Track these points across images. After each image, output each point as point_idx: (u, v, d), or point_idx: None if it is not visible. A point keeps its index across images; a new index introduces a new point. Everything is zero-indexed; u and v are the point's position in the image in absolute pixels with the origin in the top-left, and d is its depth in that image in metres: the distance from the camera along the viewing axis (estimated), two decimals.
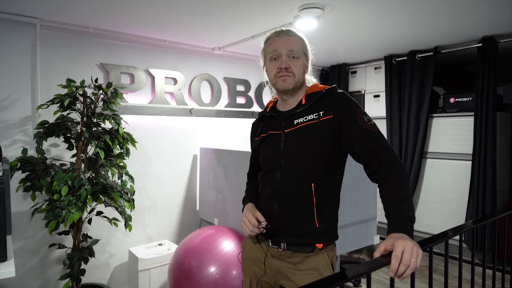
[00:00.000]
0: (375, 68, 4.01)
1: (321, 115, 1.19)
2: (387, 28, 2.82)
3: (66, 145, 2.32)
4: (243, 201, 1.42)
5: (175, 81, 3.22)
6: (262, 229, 1.22)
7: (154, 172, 3.12)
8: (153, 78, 3.09)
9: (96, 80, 2.35)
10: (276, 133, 1.28)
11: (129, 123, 2.81)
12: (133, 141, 2.41)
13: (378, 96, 3.99)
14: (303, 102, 1.26)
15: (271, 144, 1.29)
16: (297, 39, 1.26)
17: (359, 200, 2.24)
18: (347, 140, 1.15)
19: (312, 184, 1.19)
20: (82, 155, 2.29)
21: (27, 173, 2.07)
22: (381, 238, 2.52)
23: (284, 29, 1.28)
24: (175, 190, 3.27)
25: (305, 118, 1.22)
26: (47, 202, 2.09)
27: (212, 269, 2.17)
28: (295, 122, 1.24)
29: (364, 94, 4.14)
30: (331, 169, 1.22)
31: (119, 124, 2.31)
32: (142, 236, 3.07)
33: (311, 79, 1.33)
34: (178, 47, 3.21)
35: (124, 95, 2.89)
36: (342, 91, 1.24)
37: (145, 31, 2.84)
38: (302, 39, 1.28)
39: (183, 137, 3.30)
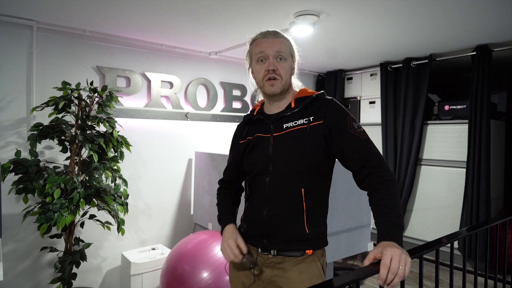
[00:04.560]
0: (371, 75, 4.04)
1: (311, 120, 1.18)
2: (383, 36, 2.85)
3: (60, 148, 2.31)
4: (219, 219, 1.34)
5: (171, 85, 3.22)
6: (244, 261, 1.19)
7: (149, 175, 3.11)
8: (149, 81, 3.09)
9: (91, 83, 2.35)
10: (264, 136, 1.26)
11: (125, 126, 2.81)
12: (127, 145, 2.40)
13: (373, 102, 4.01)
14: (293, 105, 1.24)
15: (258, 147, 1.26)
16: (284, 40, 1.24)
17: (353, 206, 2.24)
18: (337, 146, 1.15)
19: (302, 190, 1.17)
20: (76, 158, 2.28)
21: (19, 175, 2.06)
22: (375, 245, 2.51)
23: (270, 30, 1.25)
24: (170, 194, 3.26)
25: (295, 123, 1.20)
26: (40, 205, 2.07)
27: (205, 274, 2.16)
28: (284, 126, 1.22)
29: (359, 101, 4.16)
30: (321, 174, 1.21)
31: (113, 127, 2.31)
32: (136, 240, 3.05)
33: (297, 83, 1.32)
34: (175, 51, 3.22)
35: (120, 98, 2.89)
36: (331, 97, 1.23)
37: (142, 35, 2.84)
38: (289, 41, 1.26)
39: (178, 141, 3.30)
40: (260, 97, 1.35)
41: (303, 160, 1.17)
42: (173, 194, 3.28)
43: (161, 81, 3.15)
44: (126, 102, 2.96)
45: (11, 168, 2.05)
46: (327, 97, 1.24)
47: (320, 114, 1.18)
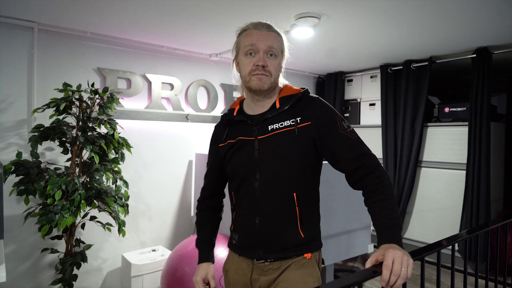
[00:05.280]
0: (371, 77, 4.05)
1: (299, 121, 1.11)
2: (383, 38, 2.86)
3: (61, 149, 2.31)
4: (197, 244, 1.33)
5: (171, 86, 3.23)
6: None
7: (149, 177, 3.11)
8: (149, 83, 3.10)
9: (92, 85, 2.36)
10: (247, 139, 1.17)
11: (125, 128, 2.81)
12: (128, 146, 2.41)
13: (373, 104, 4.02)
14: (277, 105, 1.15)
15: (242, 151, 1.17)
16: (277, 36, 1.16)
17: (353, 208, 2.24)
18: (328, 148, 1.10)
19: (294, 194, 1.13)
20: (77, 159, 2.29)
21: (21, 176, 2.06)
22: (375, 247, 2.51)
23: (263, 22, 1.16)
24: (170, 195, 3.26)
25: (281, 124, 1.13)
26: (41, 206, 2.07)
27: None
28: (269, 128, 1.14)
29: (360, 102, 4.17)
30: (311, 176, 1.17)
31: (114, 129, 2.31)
32: (136, 241, 3.05)
33: (283, 81, 1.23)
34: (176, 53, 3.23)
35: (121, 100, 2.89)
36: (317, 96, 1.17)
37: (142, 37, 2.85)
38: (281, 36, 1.18)
39: (179, 143, 3.30)
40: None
41: (292, 164, 1.12)
42: (174, 195, 3.28)
43: (162, 82, 3.16)
44: (126, 103, 2.97)
45: (12, 169, 2.05)
46: (312, 95, 1.18)
47: (307, 115, 1.12)
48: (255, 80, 1.11)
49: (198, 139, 3.43)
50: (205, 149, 3.45)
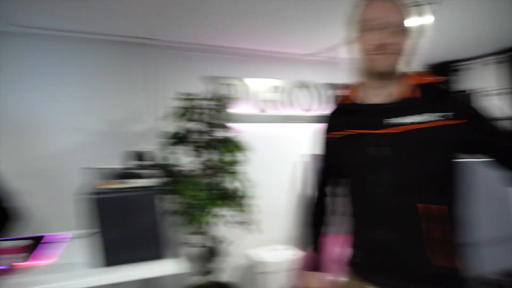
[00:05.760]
0: (490, 64, 3.56)
1: (452, 117, 0.91)
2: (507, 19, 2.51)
3: (186, 153, 2.49)
4: (313, 247, 1.20)
5: (273, 89, 3.28)
6: None
7: (263, 178, 3.15)
8: (252, 87, 3.19)
9: (208, 92, 2.57)
10: (370, 133, 0.98)
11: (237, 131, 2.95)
12: (246, 149, 2.51)
13: (497, 94, 3.53)
14: (414, 94, 0.95)
15: (362, 146, 0.99)
16: (403, 9, 0.95)
17: (498, 213, 1.98)
18: (488, 146, 0.94)
19: (439, 207, 0.92)
20: (205, 162, 2.45)
21: (167, 178, 2.28)
22: None
23: None
24: (284, 196, 3.27)
25: (421, 117, 0.93)
26: (181, 205, 2.27)
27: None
28: (403, 121, 0.94)
29: (476, 93, 3.71)
30: (453, 184, 0.96)
31: (232, 133, 2.46)
32: (258, 240, 3.12)
33: (408, 66, 1.03)
34: (273, 56, 3.26)
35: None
36: (465, 89, 1.05)
37: (240, 43, 2.94)
38: (409, 10, 0.97)
39: (285, 144, 3.35)
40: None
41: (436, 169, 0.93)
42: (287, 196, 3.29)
43: (264, 86, 3.23)
44: (234, 108, 3.09)
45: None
46: (460, 87, 1.03)
47: (463, 111, 0.93)
48: (379, 59, 0.93)
49: (304, 140, 3.43)
50: (311, 150, 3.42)
